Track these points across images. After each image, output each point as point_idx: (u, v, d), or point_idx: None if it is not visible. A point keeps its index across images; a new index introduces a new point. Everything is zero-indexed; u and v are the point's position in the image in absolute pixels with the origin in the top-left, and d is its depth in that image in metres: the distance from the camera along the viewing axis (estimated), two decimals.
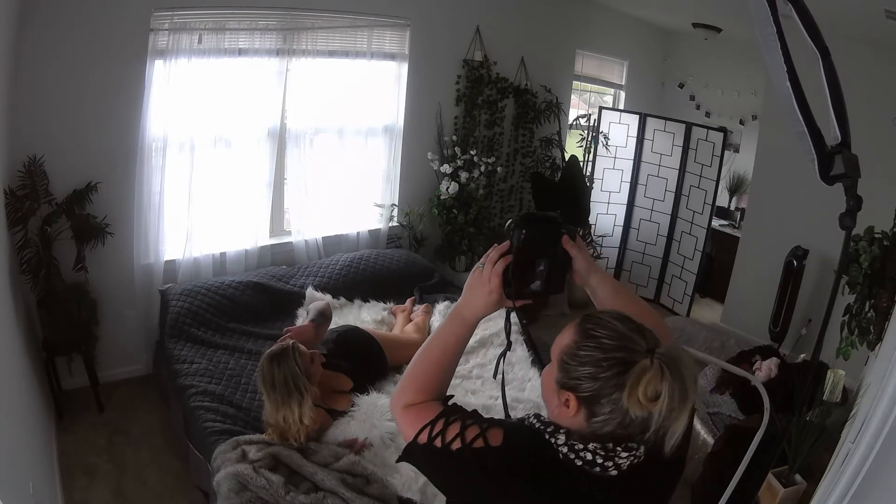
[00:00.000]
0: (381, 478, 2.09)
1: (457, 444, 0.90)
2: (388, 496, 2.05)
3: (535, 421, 0.92)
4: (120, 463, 2.78)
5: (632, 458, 0.86)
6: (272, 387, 2.16)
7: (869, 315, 2.82)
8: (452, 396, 1.03)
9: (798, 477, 2.49)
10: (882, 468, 1.20)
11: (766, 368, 3.09)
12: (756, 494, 2.49)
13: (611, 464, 0.85)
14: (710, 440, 2.81)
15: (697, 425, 2.95)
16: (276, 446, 2.16)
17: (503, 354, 1.08)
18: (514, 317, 1.04)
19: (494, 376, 1.13)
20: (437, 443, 0.91)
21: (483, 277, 0.99)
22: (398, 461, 1.00)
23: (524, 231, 0.97)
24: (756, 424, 1.97)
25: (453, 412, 0.95)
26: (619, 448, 0.85)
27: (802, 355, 3.43)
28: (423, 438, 0.93)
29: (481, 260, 1.01)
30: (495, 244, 1.00)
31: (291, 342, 2.28)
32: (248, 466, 2.02)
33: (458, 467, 0.90)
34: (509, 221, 0.99)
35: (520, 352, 2.93)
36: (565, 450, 0.87)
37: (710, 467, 2.63)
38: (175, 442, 2.79)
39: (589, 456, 0.85)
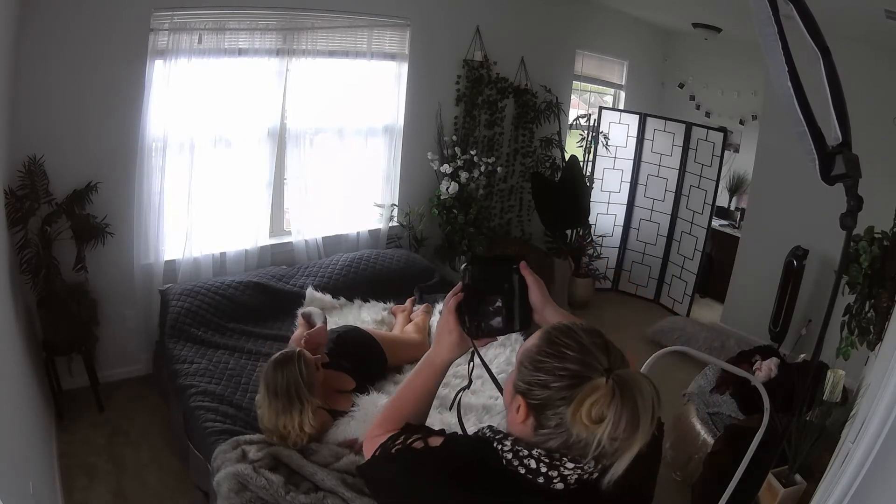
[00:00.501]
0: None
1: (397, 448, 0.91)
2: None
3: (486, 430, 0.91)
4: (120, 463, 2.78)
5: (579, 471, 0.81)
6: (274, 394, 2.14)
7: (869, 315, 2.82)
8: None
9: (798, 477, 2.49)
10: (882, 468, 1.20)
11: (766, 368, 3.09)
12: (756, 494, 2.49)
13: (555, 474, 0.81)
14: (710, 440, 2.81)
15: (697, 425, 2.94)
16: (276, 446, 2.16)
17: (462, 390, 1.09)
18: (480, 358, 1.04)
19: (450, 408, 1.13)
20: (381, 452, 0.93)
21: (441, 320, 1.01)
22: (358, 472, 1.02)
23: (471, 268, 0.99)
24: (756, 424, 1.97)
25: (404, 431, 0.96)
26: (565, 458, 0.81)
27: (802, 355, 3.43)
28: (377, 453, 0.95)
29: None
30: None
31: (298, 350, 2.27)
32: (248, 466, 2.02)
33: (396, 469, 0.90)
34: (464, 263, 1.01)
35: (503, 364, 2.92)
36: (509, 456, 0.84)
37: (710, 467, 2.63)
38: (175, 442, 2.79)
39: (532, 463, 0.82)
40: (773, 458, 2.36)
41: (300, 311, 3.03)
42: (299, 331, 2.80)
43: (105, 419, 3.06)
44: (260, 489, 1.96)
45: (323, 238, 3.93)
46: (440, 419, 2.23)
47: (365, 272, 3.64)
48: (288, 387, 2.14)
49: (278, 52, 3.43)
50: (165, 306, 3.11)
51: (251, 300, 3.24)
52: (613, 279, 5.36)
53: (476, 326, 0.98)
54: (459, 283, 1.01)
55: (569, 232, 4.94)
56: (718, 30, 4.63)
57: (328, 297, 3.40)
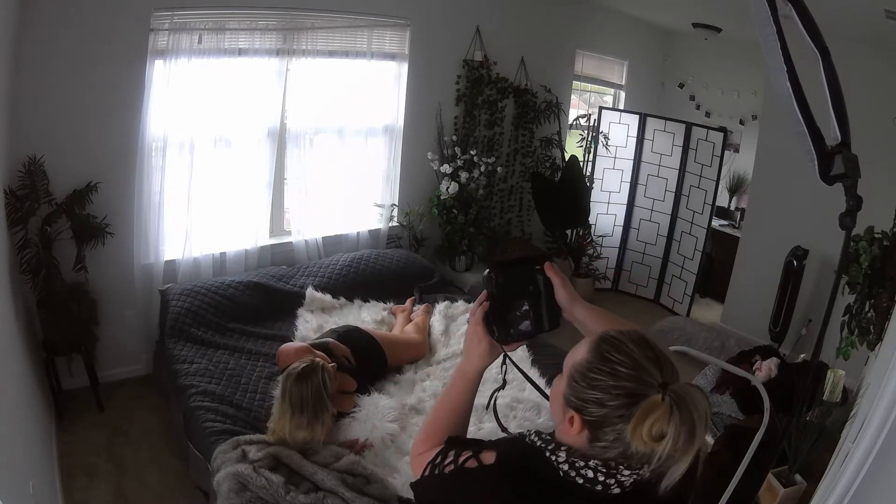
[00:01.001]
0: (381, 478, 2.09)
1: (450, 468, 0.91)
2: (389, 496, 2.05)
3: (535, 438, 0.91)
4: (120, 463, 2.78)
5: (635, 475, 0.83)
6: (300, 409, 2.08)
7: (869, 315, 2.82)
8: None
9: (798, 477, 2.49)
10: (882, 468, 1.20)
11: (766, 368, 3.09)
12: (756, 494, 2.49)
13: (613, 481, 0.83)
14: (710, 440, 2.81)
15: None
16: (277, 446, 2.15)
17: (496, 391, 1.09)
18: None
19: (487, 408, 1.13)
20: (436, 472, 0.93)
21: (469, 331, 1.01)
22: (412, 489, 1.02)
23: (495, 277, 0.98)
24: (756, 424, 1.97)
25: (451, 445, 0.96)
26: (621, 466, 0.83)
27: (802, 355, 3.43)
28: (427, 472, 0.95)
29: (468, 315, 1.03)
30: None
31: (321, 363, 2.24)
32: (249, 466, 2.02)
33: (455, 490, 0.91)
34: (486, 270, 0.99)
35: (519, 352, 2.92)
36: (566, 467, 0.84)
37: (710, 467, 2.62)
38: (175, 442, 2.79)
39: (590, 473, 0.83)
40: (773, 458, 2.36)
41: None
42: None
43: (105, 419, 3.06)
44: (260, 489, 1.96)
45: (323, 238, 3.93)
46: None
47: (365, 272, 3.64)
48: (314, 401, 2.10)
49: (278, 52, 3.43)
50: (165, 306, 3.11)
51: (251, 300, 3.24)
52: (613, 279, 5.36)
53: (505, 333, 0.98)
54: (484, 293, 1.00)
55: (569, 232, 4.94)
56: (718, 30, 4.63)
57: (328, 297, 3.40)
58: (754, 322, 4.38)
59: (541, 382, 2.50)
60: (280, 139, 3.60)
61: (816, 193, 2.16)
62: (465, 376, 1.04)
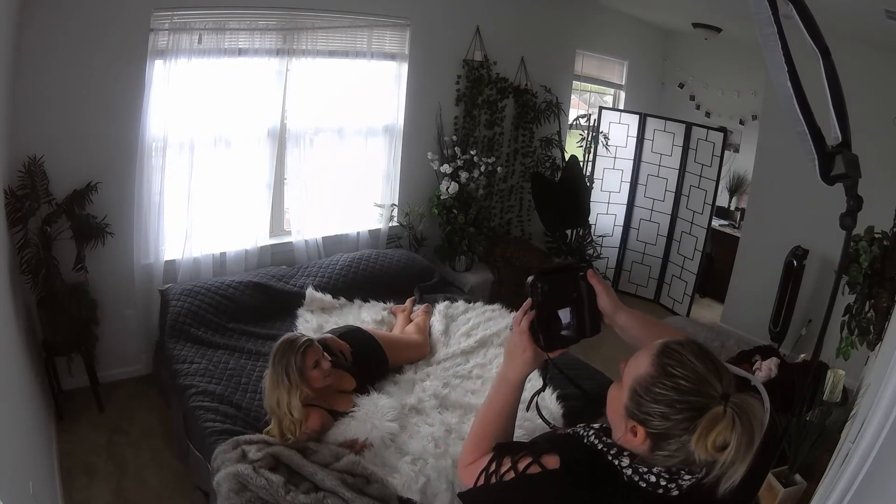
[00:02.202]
0: (381, 478, 2.09)
1: (510, 475, 0.92)
2: (389, 496, 2.05)
3: (595, 440, 0.93)
4: (120, 463, 2.78)
5: (696, 478, 0.86)
6: (272, 363, 2.27)
7: (869, 315, 2.82)
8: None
9: (798, 477, 2.49)
10: (882, 468, 1.20)
11: (766, 368, 3.09)
12: (756, 494, 2.49)
13: (674, 485, 0.86)
14: None
15: None
16: (277, 446, 2.16)
17: (538, 392, 1.10)
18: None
19: (528, 409, 1.15)
20: (492, 480, 0.94)
21: (514, 339, 1.02)
22: (460, 497, 1.03)
23: (540, 285, 0.99)
24: None
25: (502, 451, 0.97)
26: (682, 471, 0.86)
27: (802, 355, 3.44)
28: (482, 481, 0.95)
29: (511, 322, 1.04)
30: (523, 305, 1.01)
31: (308, 339, 2.35)
32: (248, 466, 2.02)
33: (518, 497, 0.92)
34: (529, 278, 1.00)
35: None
36: (629, 472, 0.87)
37: None
38: (175, 442, 2.78)
39: (653, 479, 0.86)
40: (774, 458, 2.36)
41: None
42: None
43: (105, 419, 3.06)
44: (260, 489, 1.96)
45: (323, 238, 3.93)
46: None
47: (365, 272, 3.64)
48: (284, 364, 2.24)
49: (278, 52, 3.43)
50: (165, 306, 3.11)
51: (251, 300, 3.24)
52: (613, 279, 5.36)
53: (550, 341, 0.99)
54: (528, 301, 1.00)
55: (569, 232, 4.94)
56: (718, 30, 4.63)
57: (328, 297, 3.40)
58: (754, 322, 4.38)
59: None
60: (280, 139, 3.60)
61: (816, 193, 2.16)
62: (508, 384, 1.04)
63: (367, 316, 3.32)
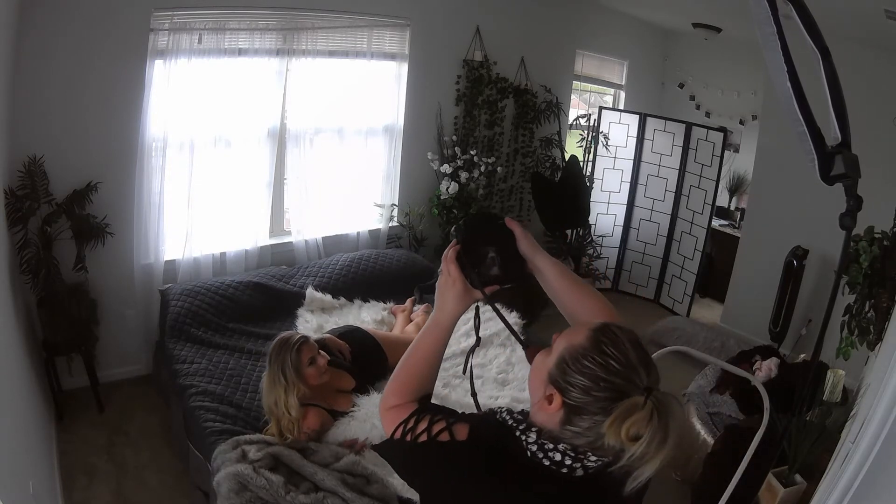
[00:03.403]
0: (381, 478, 2.09)
1: (423, 438, 0.93)
2: (389, 496, 2.05)
3: (507, 416, 0.94)
4: (120, 463, 2.78)
5: (602, 461, 0.86)
6: (269, 362, 2.28)
7: (869, 315, 2.82)
8: (430, 397, 1.06)
9: (798, 477, 2.49)
10: (882, 468, 1.20)
11: (766, 368, 3.09)
12: (756, 494, 2.49)
13: (579, 465, 0.85)
14: (710, 440, 2.81)
15: (697, 425, 2.95)
16: (277, 446, 2.16)
17: (472, 350, 1.13)
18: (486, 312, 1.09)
19: (464, 372, 1.16)
20: (408, 437, 0.95)
21: (443, 276, 1.04)
22: (374, 449, 1.04)
23: (464, 224, 1.07)
24: (756, 425, 1.97)
25: (424, 410, 0.98)
26: (588, 452, 0.85)
27: (802, 355, 3.44)
28: (398, 434, 0.97)
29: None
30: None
31: (302, 337, 2.34)
32: (248, 466, 2.02)
33: (424, 460, 0.94)
34: (454, 227, 1.05)
35: (520, 352, 2.93)
36: (534, 448, 0.87)
37: (710, 467, 2.63)
38: (175, 442, 2.79)
39: (558, 457, 0.86)
40: (773, 458, 2.36)
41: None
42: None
43: (105, 419, 3.06)
44: (260, 489, 1.96)
45: (323, 238, 3.93)
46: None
47: (365, 272, 3.64)
48: (280, 362, 2.25)
49: (278, 52, 3.43)
50: (165, 306, 3.11)
51: (251, 300, 3.24)
52: (613, 279, 5.36)
53: (478, 275, 1.02)
54: (454, 240, 1.05)
55: (569, 232, 4.94)
56: (718, 30, 4.63)
57: (328, 297, 3.40)
58: (754, 322, 4.38)
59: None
60: (280, 139, 3.60)
61: (816, 193, 2.17)
62: (438, 325, 1.05)
63: (367, 316, 3.32)
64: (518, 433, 0.89)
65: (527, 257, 1.06)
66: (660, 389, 0.83)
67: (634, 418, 0.78)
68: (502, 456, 0.88)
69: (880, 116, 3.38)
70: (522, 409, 0.97)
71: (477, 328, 1.12)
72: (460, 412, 0.97)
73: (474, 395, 1.16)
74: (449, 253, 1.03)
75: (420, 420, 0.95)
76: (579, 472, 0.85)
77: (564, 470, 0.85)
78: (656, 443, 0.78)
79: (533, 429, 0.89)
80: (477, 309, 1.09)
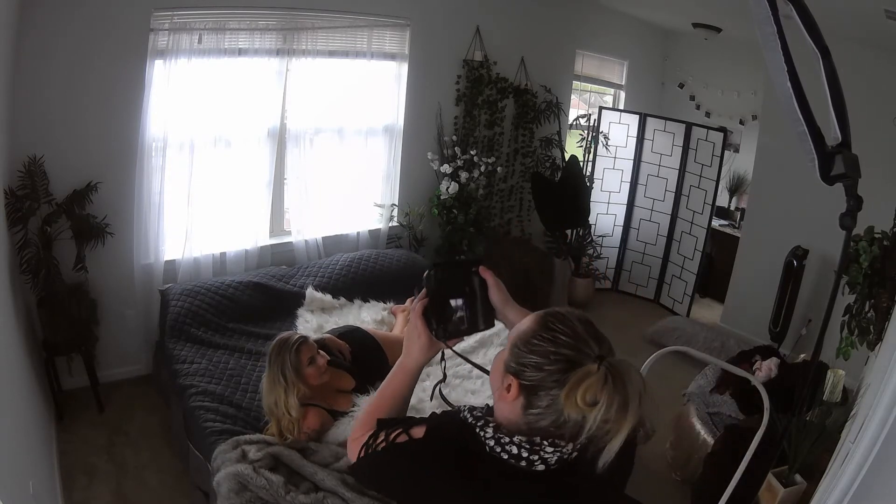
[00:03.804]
0: None
1: (382, 446, 0.96)
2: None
3: (467, 414, 0.95)
4: (120, 463, 2.78)
5: (559, 453, 0.86)
6: (269, 363, 2.27)
7: (869, 315, 2.82)
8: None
9: (798, 477, 2.49)
10: (882, 468, 1.20)
11: (766, 368, 3.09)
12: (756, 494, 2.49)
13: (536, 458, 0.86)
14: (710, 440, 2.81)
15: (697, 425, 2.95)
16: (277, 446, 2.16)
17: (438, 383, 1.16)
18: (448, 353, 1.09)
19: (431, 399, 1.22)
20: (368, 451, 0.98)
21: (410, 326, 1.05)
22: (347, 471, 1.07)
23: (433, 274, 1.04)
24: (756, 425, 1.97)
25: (382, 425, 1.00)
26: (545, 443, 0.86)
27: (802, 355, 3.43)
28: (362, 454, 0.99)
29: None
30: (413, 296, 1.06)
31: (301, 336, 2.34)
32: (248, 466, 2.02)
33: (389, 465, 0.96)
34: (426, 272, 1.05)
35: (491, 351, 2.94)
36: (492, 443, 0.88)
37: (710, 467, 2.63)
38: (175, 442, 2.79)
39: (514, 450, 0.86)
40: (773, 458, 2.36)
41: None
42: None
43: (105, 419, 3.06)
44: (260, 489, 1.96)
45: (323, 238, 3.93)
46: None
47: (365, 272, 3.64)
48: (280, 363, 2.24)
49: (278, 52, 3.43)
50: (165, 306, 3.11)
51: (251, 300, 3.24)
52: (613, 279, 5.36)
53: (443, 329, 1.03)
54: (424, 290, 1.05)
55: (569, 232, 4.94)
56: (718, 30, 4.63)
57: (328, 297, 3.40)
58: (754, 322, 4.38)
59: None
60: (280, 139, 3.60)
61: (816, 193, 2.17)
62: (405, 370, 1.07)
63: (367, 316, 3.32)
64: (477, 429, 0.91)
65: (497, 308, 1.07)
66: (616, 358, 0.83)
67: (588, 383, 0.79)
68: (465, 453, 0.89)
69: (880, 116, 3.38)
70: (486, 405, 0.99)
71: (443, 369, 1.15)
72: (420, 417, 1.00)
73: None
74: (416, 306, 1.04)
75: (378, 434, 0.98)
76: (539, 467, 0.86)
77: (523, 464, 0.86)
78: (616, 407, 0.78)
79: (491, 423, 0.91)
80: (442, 352, 1.10)
